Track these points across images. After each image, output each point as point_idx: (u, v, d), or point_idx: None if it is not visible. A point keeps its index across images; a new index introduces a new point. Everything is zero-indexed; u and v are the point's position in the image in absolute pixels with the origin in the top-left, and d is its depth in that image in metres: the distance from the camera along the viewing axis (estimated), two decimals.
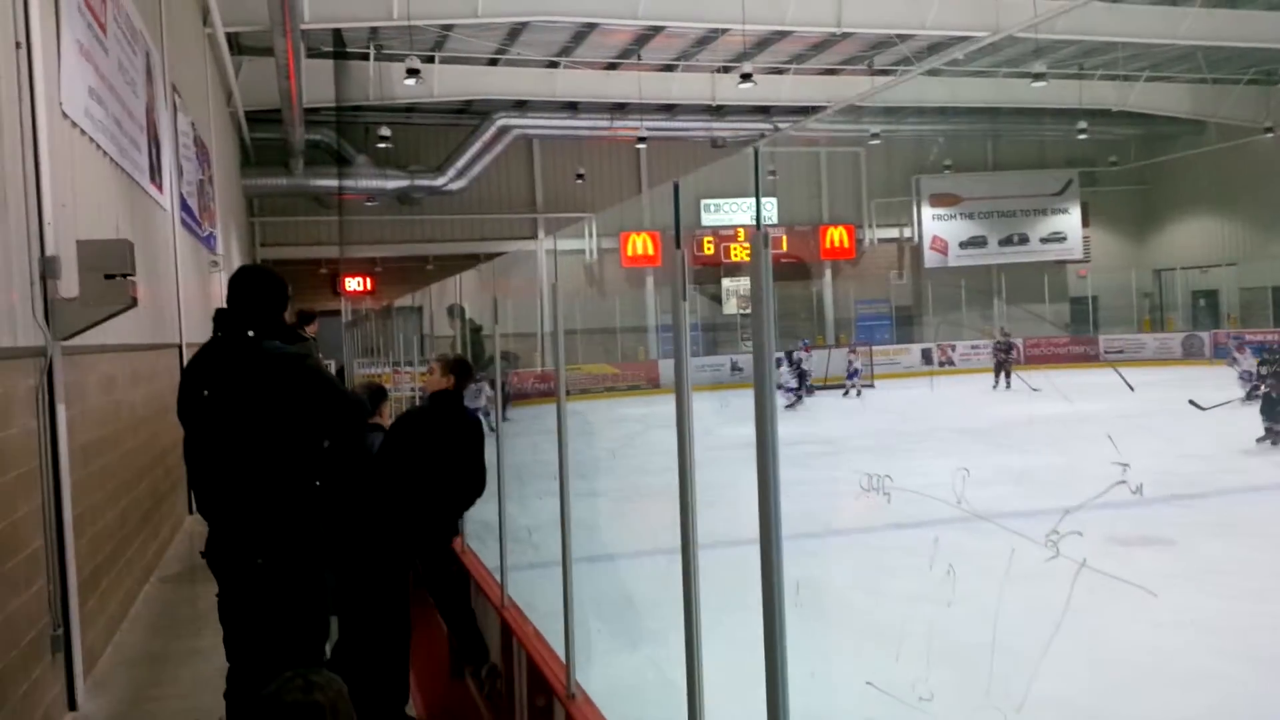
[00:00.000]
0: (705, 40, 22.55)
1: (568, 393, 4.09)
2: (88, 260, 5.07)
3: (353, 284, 28.19)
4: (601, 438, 17.07)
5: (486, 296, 7.88)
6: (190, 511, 9.82)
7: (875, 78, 24.44)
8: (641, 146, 29.56)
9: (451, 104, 26.07)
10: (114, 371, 6.88)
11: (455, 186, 27.69)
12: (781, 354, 23.95)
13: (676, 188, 2.67)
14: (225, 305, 3.78)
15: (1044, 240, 34.63)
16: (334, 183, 25.52)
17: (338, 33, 19.82)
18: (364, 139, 25.66)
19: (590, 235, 30.84)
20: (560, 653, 3.94)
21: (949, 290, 32.67)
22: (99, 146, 6.62)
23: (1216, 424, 13.88)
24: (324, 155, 25.73)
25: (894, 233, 34.03)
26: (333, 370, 18.18)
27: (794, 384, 22.87)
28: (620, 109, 27.31)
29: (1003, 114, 29.80)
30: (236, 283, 3.79)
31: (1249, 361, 16.20)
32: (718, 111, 28.07)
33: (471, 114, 27.34)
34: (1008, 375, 24.43)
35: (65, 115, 5.70)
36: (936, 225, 34.22)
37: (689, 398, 2.65)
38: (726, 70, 24.41)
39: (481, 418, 8.22)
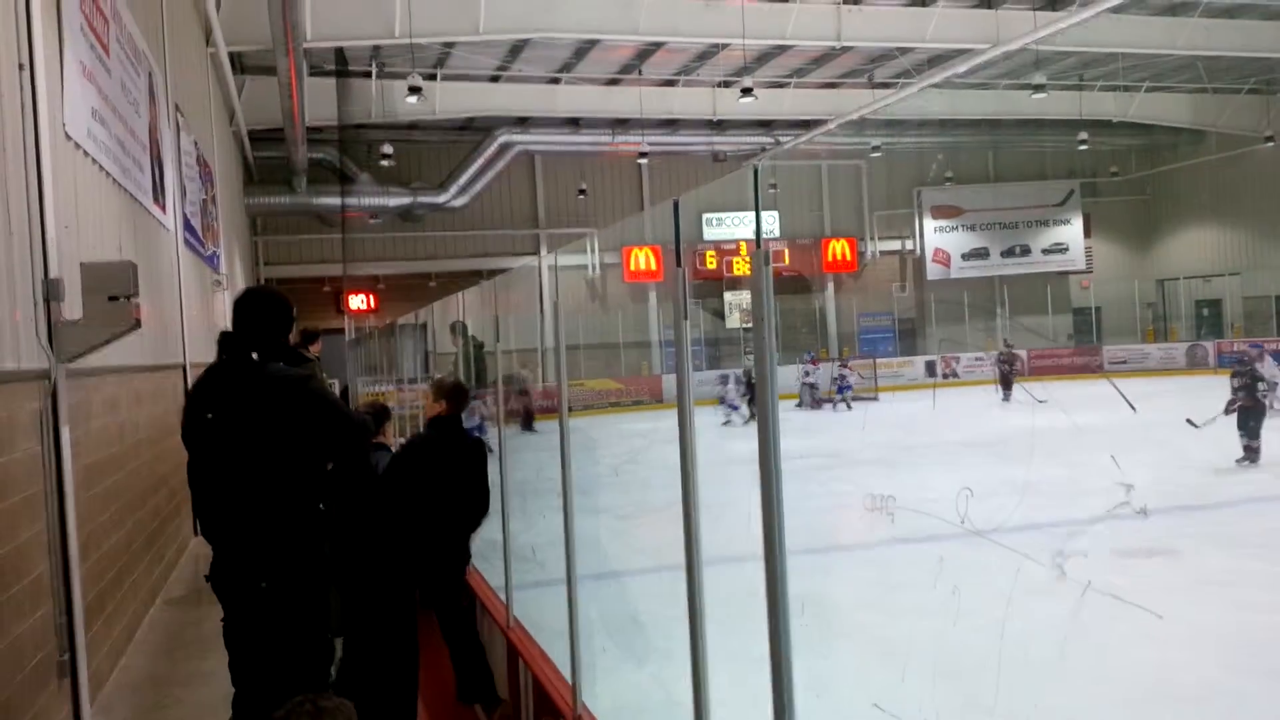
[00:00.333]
0: (706, 55, 22.63)
1: (570, 409, 4.09)
2: (91, 282, 5.08)
3: (356, 302, 28.22)
4: (605, 453, 17.05)
5: (489, 313, 7.88)
6: (195, 534, 9.81)
7: (876, 90, 24.50)
8: (643, 161, 29.63)
9: (453, 121, 26.15)
10: (117, 393, 6.88)
11: (458, 203, 27.76)
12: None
13: (676, 206, 2.68)
14: (230, 328, 3.79)
15: (1046, 251, 34.65)
16: (337, 201, 25.59)
17: (340, 51, 19.90)
18: (367, 157, 25.73)
19: (592, 250, 30.90)
20: (566, 673, 3.93)
21: (952, 302, 32.69)
22: (102, 167, 6.63)
23: (1220, 434, 13.83)
24: (327, 173, 25.80)
25: (896, 245, 34.05)
26: (337, 389, 18.26)
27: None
28: (622, 124, 27.39)
29: (1003, 125, 29.87)
30: (241, 305, 3.81)
31: (1272, 369, 15.87)
32: (719, 126, 28.15)
33: (473, 130, 27.43)
34: (1009, 387, 24.42)
35: (68, 137, 5.72)
36: (938, 237, 34.25)
37: (691, 416, 2.65)
38: (727, 85, 24.48)
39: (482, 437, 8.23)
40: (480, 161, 27.36)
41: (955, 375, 31.07)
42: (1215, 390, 14.97)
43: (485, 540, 6.16)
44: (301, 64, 14.79)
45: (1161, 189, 34.50)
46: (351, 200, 25.98)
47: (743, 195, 31.70)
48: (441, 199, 27.51)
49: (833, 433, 20.15)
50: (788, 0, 19.40)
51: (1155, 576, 8.25)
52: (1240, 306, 31.92)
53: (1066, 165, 34.00)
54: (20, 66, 4.79)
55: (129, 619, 6.80)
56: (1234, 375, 14.21)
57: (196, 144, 12.58)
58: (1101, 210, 35.04)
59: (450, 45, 20.07)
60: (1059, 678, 5.68)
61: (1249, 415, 13.63)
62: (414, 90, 18.69)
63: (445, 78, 22.64)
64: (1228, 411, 13.80)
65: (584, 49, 21.70)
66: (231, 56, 15.99)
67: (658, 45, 21.32)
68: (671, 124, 27.97)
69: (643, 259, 31.14)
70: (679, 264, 2.48)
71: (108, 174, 6.81)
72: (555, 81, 24.09)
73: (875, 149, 29.79)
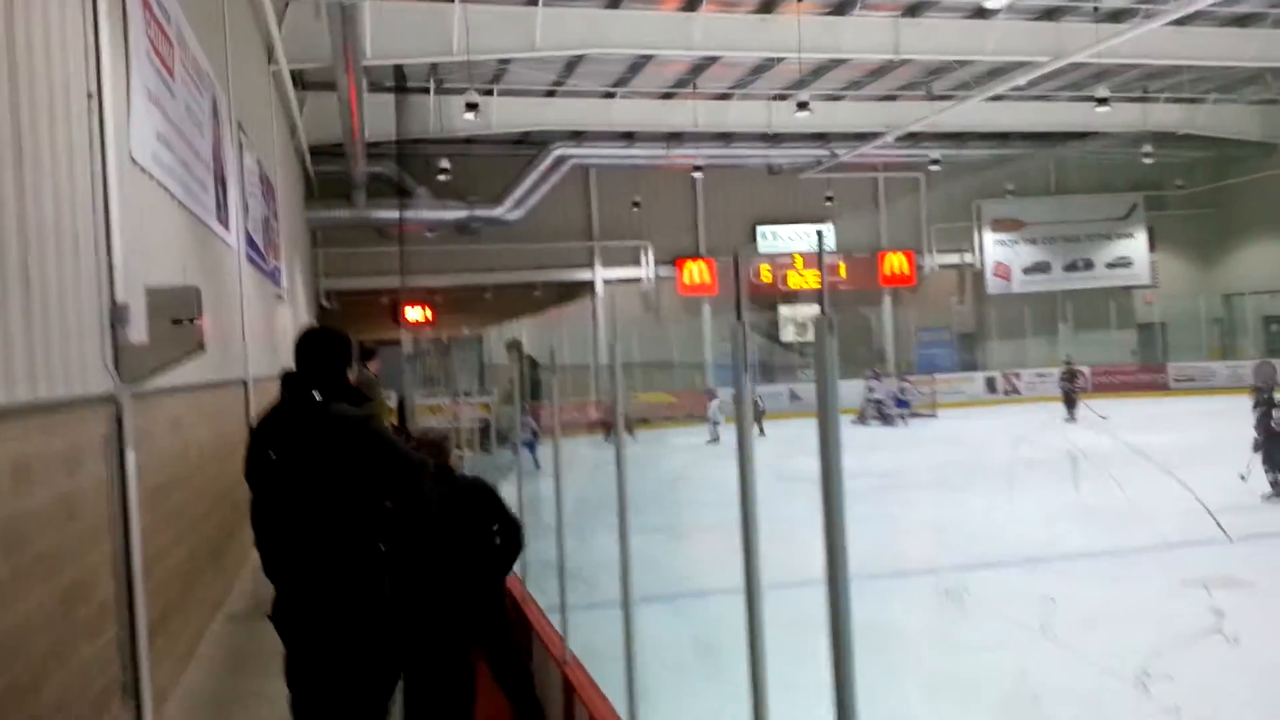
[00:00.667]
0: (761, 69, 22.54)
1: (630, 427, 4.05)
2: (156, 307, 5.15)
3: (413, 314, 28.49)
4: (659, 469, 16.99)
5: (545, 335, 7.89)
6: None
7: (934, 103, 24.25)
8: (697, 175, 29.61)
9: (509, 135, 26.35)
10: (181, 412, 6.96)
11: (513, 216, 27.95)
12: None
13: (736, 261, 2.60)
14: (293, 367, 3.84)
15: (1110, 265, 34.03)
16: (395, 214, 25.90)
17: (399, 68, 20.15)
18: (424, 171, 26.00)
19: (647, 263, 30.91)
20: (622, 708, 3.89)
21: (1013, 317, 32.20)
22: (167, 190, 6.73)
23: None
24: (385, 187, 26.12)
25: (955, 258, 33.64)
26: (394, 401, 18.41)
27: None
28: (676, 138, 27.40)
29: (1065, 138, 29.39)
30: (302, 345, 3.86)
31: None
32: (774, 139, 28.04)
33: (529, 144, 27.61)
34: (1073, 405, 23.94)
35: (134, 161, 5.80)
36: (999, 250, 33.79)
37: (750, 438, 2.59)
38: (783, 98, 24.37)
39: (528, 452, 8.19)
40: (535, 175, 27.53)
41: (1016, 392, 30.57)
42: None
43: (539, 561, 6.12)
44: (361, 81, 14.99)
45: (1229, 202, 33.70)
46: (409, 214, 26.29)
47: (797, 207, 31.52)
48: (497, 212, 27.71)
49: (888, 450, 19.88)
50: (844, 14, 19.28)
51: (1228, 606, 7.98)
52: None
53: (1130, 178, 33.37)
54: (89, 95, 4.87)
55: (191, 633, 6.87)
56: (1256, 405, 12.82)
57: (259, 161, 12.76)
58: (1166, 224, 34.33)
59: (506, 61, 20.21)
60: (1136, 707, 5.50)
61: (1273, 447, 12.46)
62: (471, 107, 18.85)
63: (501, 93, 22.82)
64: (1256, 449, 12.55)
65: (639, 64, 21.74)
66: (293, 74, 16.24)
67: (712, 60, 21.29)
68: (726, 137, 27.91)
69: (697, 271, 31.09)
70: (739, 316, 2.43)
71: (172, 195, 6.91)
72: (610, 96, 24.16)
73: (934, 162, 29.47)
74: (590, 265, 30.54)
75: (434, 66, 20.15)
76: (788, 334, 30.92)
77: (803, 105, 20.84)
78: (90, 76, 4.96)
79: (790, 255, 31.48)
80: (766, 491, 2.54)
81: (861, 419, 25.40)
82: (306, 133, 19.63)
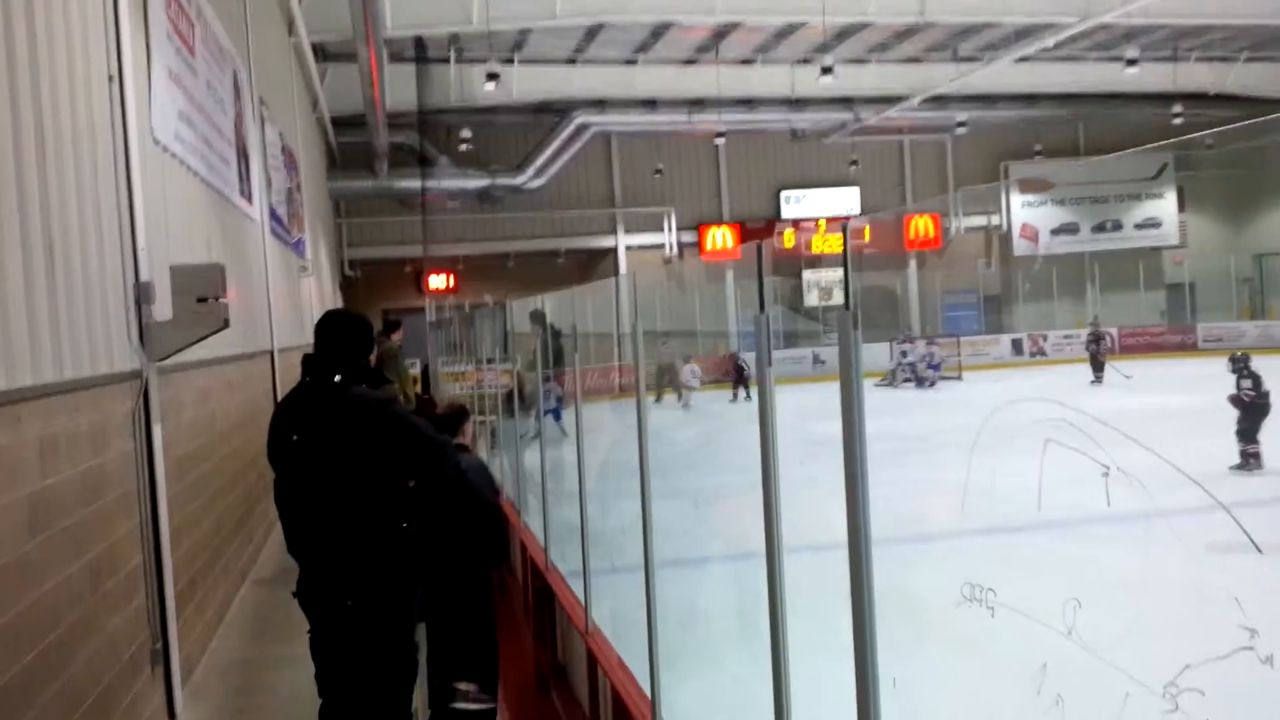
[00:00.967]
0: (784, 34, 22.32)
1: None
2: (180, 285, 5.23)
3: (436, 281, 28.58)
4: (680, 434, 17.06)
5: (567, 306, 7.94)
6: None
7: (960, 65, 23.94)
8: (720, 141, 29.45)
9: (531, 103, 26.28)
10: (208, 384, 7.08)
11: (535, 184, 27.92)
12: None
13: (760, 249, 2.61)
14: (313, 351, 3.93)
15: (1138, 226, 33.62)
16: (417, 184, 25.95)
17: (419, 39, 20.12)
18: (446, 140, 26.02)
19: (669, 229, 30.84)
20: (643, 674, 3.95)
21: (1040, 279, 31.91)
22: (189, 168, 6.81)
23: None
24: (407, 157, 26.16)
25: (981, 221, 33.34)
26: (418, 369, 18.49)
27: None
28: (698, 104, 27.21)
29: (1094, 99, 28.96)
30: (322, 328, 3.94)
31: None
32: (798, 104, 27.80)
33: (550, 112, 27.50)
34: (1100, 368, 23.78)
35: (156, 141, 5.87)
36: (1026, 212, 33.45)
37: (773, 400, 2.61)
38: (806, 62, 24.14)
39: (553, 420, 8.28)
40: (557, 143, 27.45)
41: (1043, 354, 30.38)
42: None
43: (563, 524, 6.17)
44: (382, 52, 14.99)
45: (1260, 162, 33.12)
46: (431, 183, 26.34)
47: (822, 171, 31.30)
48: (519, 180, 27.70)
49: (914, 414, 19.84)
50: None
51: (1253, 572, 7.95)
52: None
53: (1160, 138, 32.82)
54: (110, 78, 4.93)
55: (220, 600, 7.02)
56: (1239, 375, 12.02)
57: (281, 134, 12.83)
58: (1196, 184, 33.84)
59: (527, 30, 20.13)
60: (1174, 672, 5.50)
61: (1242, 417, 11.75)
62: (491, 77, 18.81)
63: (522, 61, 22.73)
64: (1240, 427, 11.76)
65: (660, 30, 21.57)
66: (314, 45, 16.26)
67: (734, 25, 21.10)
68: (749, 102, 27.69)
69: (720, 237, 30.99)
70: (762, 309, 2.46)
71: (195, 173, 6.98)
72: (632, 63, 24.03)
73: (961, 124, 29.13)
74: (613, 232, 30.48)
75: (454, 36, 20.11)
76: (812, 298, 30.83)
77: (827, 70, 20.63)
78: (111, 59, 5.03)
79: (814, 220, 31.28)
80: (800, 455, 2.55)
81: (890, 381, 25.34)
82: (328, 104, 19.67)
